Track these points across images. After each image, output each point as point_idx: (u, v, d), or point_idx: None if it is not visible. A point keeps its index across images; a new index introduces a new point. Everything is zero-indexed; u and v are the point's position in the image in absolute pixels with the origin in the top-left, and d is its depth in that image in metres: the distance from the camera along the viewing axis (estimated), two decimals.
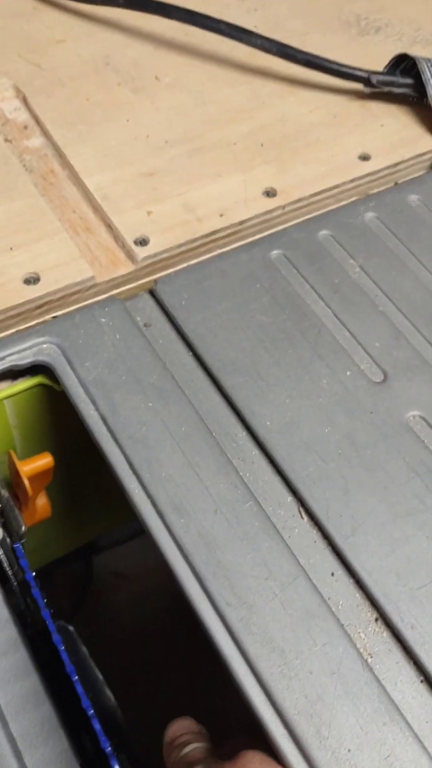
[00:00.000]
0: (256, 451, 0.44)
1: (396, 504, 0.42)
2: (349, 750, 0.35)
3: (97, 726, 0.39)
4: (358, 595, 0.40)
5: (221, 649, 0.37)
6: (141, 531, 0.41)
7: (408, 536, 0.41)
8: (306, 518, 0.42)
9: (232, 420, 0.45)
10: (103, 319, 0.47)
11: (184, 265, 0.53)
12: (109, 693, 0.55)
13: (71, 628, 0.57)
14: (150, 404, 0.44)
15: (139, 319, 0.49)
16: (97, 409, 0.44)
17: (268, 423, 0.44)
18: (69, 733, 0.38)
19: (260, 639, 0.37)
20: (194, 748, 0.39)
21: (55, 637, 0.44)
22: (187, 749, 0.38)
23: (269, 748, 0.35)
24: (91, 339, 0.46)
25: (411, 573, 0.40)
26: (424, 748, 0.35)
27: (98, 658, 0.58)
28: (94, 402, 0.44)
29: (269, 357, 0.47)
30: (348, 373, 0.47)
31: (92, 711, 0.40)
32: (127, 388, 0.45)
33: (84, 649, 0.57)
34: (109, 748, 0.36)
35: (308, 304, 0.50)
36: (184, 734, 0.40)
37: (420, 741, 0.35)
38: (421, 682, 0.37)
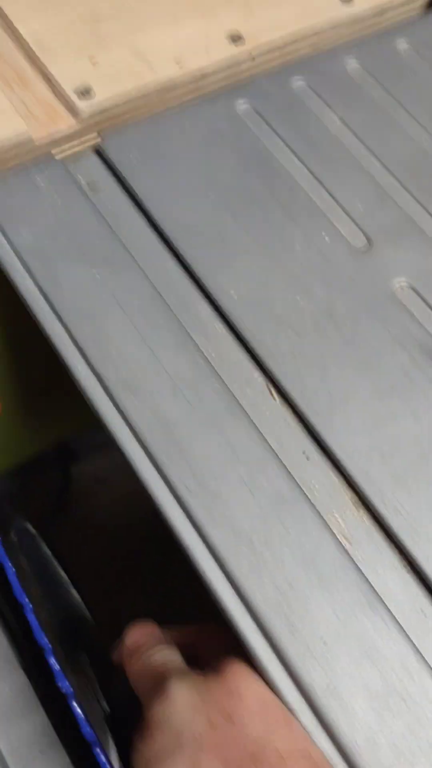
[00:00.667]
0: (220, 326, 0.39)
1: (379, 380, 0.37)
2: (324, 642, 0.31)
3: (54, 665, 0.34)
4: (335, 478, 0.35)
5: (183, 539, 0.33)
6: None
7: (393, 413, 0.37)
8: (277, 398, 0.37)
9: (193, 292, 0.39)
10: (40, 181, 0.41)
11: (137, 120, 0.46)
12: (74, 592, 0.52)
13: (31, 528, 0.53)
14: (97, 275, 0.38)
15: (83, 180, 0.42)
16: (35, 282, 0.38)
17: (234, 295, 0.39)
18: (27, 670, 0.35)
19: (227, 527, 0.33)
20: (159, 651, 0.35)
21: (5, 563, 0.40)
22: (150, 653, 0.35)
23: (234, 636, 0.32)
24: (27, 203, 0.40)
25: (396, 453, 0.36)
26: (408, 638, 0.32)
27: (80, 565, 0.54)
28: (30, 273, 0.38)
29: (235, 222, 0.41)
30: (326, 238, 0.41)
31: (49, 646, 0.36)
32: (70, 258, 0.39)
33: (47, 550, 0.54)
34: (69, 688, 0.32)
35: (280, 162, 0.44)
36: (145, 638, 0.37)
37: (404, 632, 0.32)
38: (406, 569, 0.34)
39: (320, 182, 0.43)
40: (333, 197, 0.43)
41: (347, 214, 0.42)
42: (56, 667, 0.32)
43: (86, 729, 0.31)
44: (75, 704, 0.31)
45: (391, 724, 0.30)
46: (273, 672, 0.31)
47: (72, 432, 0.77)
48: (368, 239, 0.42)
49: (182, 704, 0.31)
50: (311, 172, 0.44)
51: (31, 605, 0.32)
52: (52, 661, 0.32)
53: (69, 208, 0.40)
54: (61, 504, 1.00)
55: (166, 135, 0.44)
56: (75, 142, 0.44)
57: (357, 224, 0.42)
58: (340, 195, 0.43)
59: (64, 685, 0.31)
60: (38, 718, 0.34)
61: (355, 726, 0.30)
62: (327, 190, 0.43)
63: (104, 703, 0.38)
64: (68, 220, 0.40)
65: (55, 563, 0.54)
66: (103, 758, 0.30)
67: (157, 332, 0.38)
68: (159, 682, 0.33)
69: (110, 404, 0.36)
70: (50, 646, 0.33)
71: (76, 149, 0.45)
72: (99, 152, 0.44)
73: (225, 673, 0.32)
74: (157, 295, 0.39)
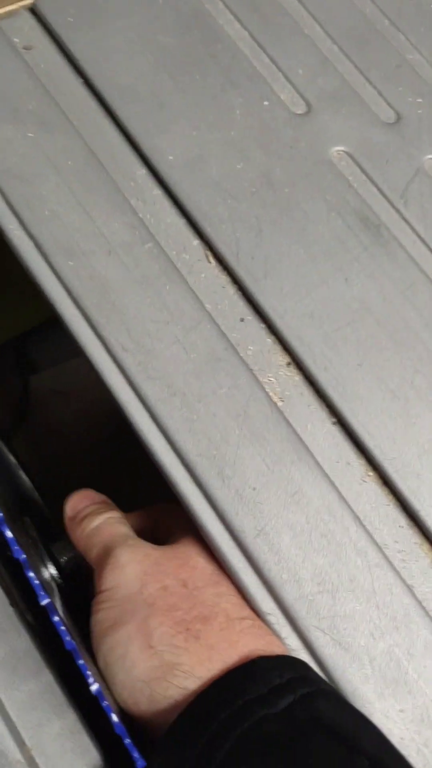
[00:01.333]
0: (157, 191, 0.38)
1: (314, 244, 0.38)
2: (254, 488, 0.33)
3: (7, 534, 0.33)
4: (269, 340, 0.36)
5: (117, 394, 0.33)
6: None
7: (325, 278, 0.37)
8: (214, 262, 0.37)
9: (130, 155, 0.39)
10: None
11: None
12: (24, 476, 0.53)
13: None
14: (29, 135, 0.37)
15: (16, 40, 0.40)
16: None
17: (171, 158, 0.38)
18: None
19: (160, 383, 0.34)
20: (106, 519, 0.36)
21: None
22: (96, 521, 0.35)
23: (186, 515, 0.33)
24: None
25: (327, 315, 0.36)
26: (333, 485, 0.33)
27: (42, 474, 0.55)
28: None
29: (173, 84, 0.40)
30: (266, 103, 0.41)
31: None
32: (1, 118, 0.37)
33: None
34: (23, 556, 0.31)
35: (221, 24, 0.42)
36: (88, 506, 0.37)
37: (329, 479, 0.33)
38: (333, 424, 0.35)
39: (261, 47, 0.42)
40: (274, 62, 0.42)
41: (288, 79, 0.41)
42: (9, 535, 0.31)
43: (41, 593, 0.30)
44: (30, 573, 0.30)
45: (315, 560, 0.32)
46: (205, 518, 0.32)
47: (21, 328, 0.76)
48: (308, 105, 0.41)
49: (133, 571, 0.32)
50: (253, 37, 0.42)
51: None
52: (5, 529, 0.31)
53: (1, 68, 0.39)
54: (21, 416, 1.00)
55: None
56: (9, 1, 0.42)
57: (297, 90, 0.41)
58: (282, 60, 0.42)
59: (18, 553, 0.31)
60: None
61: (281, 563, 0.32)
62: (268, 55, 0.42)
63: (50, 566, 0.39)
64: None
65: (4, 448, 0.54)
66: (56, 618, 0.30)
67: (93, 195, 0.37)
68: (108, 550, 0.33)
69: (46, 266, 0.35)
70: (1, 514, 0.32)
71: (11, 8, 0.42)
72: (34, 11, 0.42)
73: (178, 545, 0.34)
74: (93, 157, 0.38)
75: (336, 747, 0.26)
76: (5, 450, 0.54)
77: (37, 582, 0.28)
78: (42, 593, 0.27)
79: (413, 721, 0.30)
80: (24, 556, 0.28)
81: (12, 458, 0.53)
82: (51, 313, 0.35)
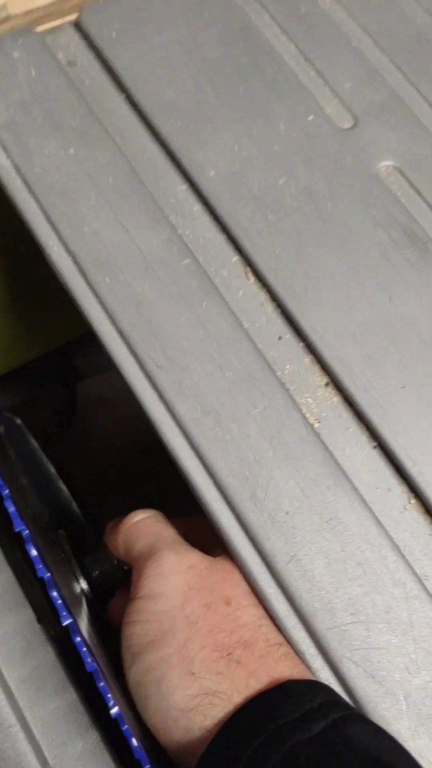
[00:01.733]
0: (197, 206, 0.38)
1: (357, 261, 0.37)
2: (287, 512, 0.32)
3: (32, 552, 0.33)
4: (307, 360, 0.35)
5: (150, 412, 0.33)
6: None
7: (368, 295, 0.36)
8: (253, 279, 0.37)
9: (171, 171, 0.38)
10: (15, 54, 0.39)
11: None
12: (62, 486, 0.53)
13: (18, 420, 0.54)
14: (71, 151, 0.37)
15: (61, 55, 0.41)
16: (8, 157, 0.37)
17: (212, 173, 0.38)
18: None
19: (193, 402, 0.33)
20: (153, 515, 0.34)
21: None
22: (142, 515, 0.34)
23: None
24: (1, 76, 0.39)
25: (369, 334, 0.35)
26: (371, 512, 0.32)
27: (86, 477, 0.55)
28: (4, 148, 0.37)
29: (217, 97, 0.40)
30: (311, 117, 0.40)
31: (27, 532, 0.34)
32: (45, 133, 0.38)
33: (34, 442, 0.55)
34: (48, 575, 0.31)
35: (267, 37, 0.42)
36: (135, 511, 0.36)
37: (367, 505, 0.32)
38: (374, 447, 0.34)
39: (308, 59, 0.41)
40: (320, 75, 0.41)
41: (334, 92, 0.40)
42: (33, 553, 0.31)
43: (63, 613, 0.29)
44: (54, 593, 0.29)
45: (349, 589, 0.31)
46: (237, 541, 0.31)
47: (67, 336, 0.77)
48: (355, 118, 0.40)
49: (176, 582, 0.31)
50: (299, 49, 0.42)
51: (8, 492, 0.31)
52: (30, 548, 0.31)
53: (45, 83, 0.39)
54: (66, 421, 1.02)
55: (148, 5, 0.42)
56: (54, 17, 0.42)
57: (344, 103, 0.40)
58: (328, 73, 0.41)
59: (43, 573, 0.30)
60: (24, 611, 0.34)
61: (313, 591, 0.31)
62: (314, 68, 0.41)
63: (82, 580, 0.39)
64: (44, 94, 0.39)
65: (44, 457, 0.55)
66: (78, 639, 0.29)
67: (132, 211, 0.37)
68: (152, 550, 0.32)
69: (83, 282, 0.35)
70: (28, 531, 0.32)
71: (55, 23, 0.43)
72: (78, 26, 0.42)
73: (224, 558, 0.33)
74: (134, 174, 0.38)
75: None
76: (45, 460, 0.54)
77: (60, 602, 0.27)
78: (64, 613, 0.27)
79: None
80: (48, 574, 0.28)
81: (52, 468, 0.54)
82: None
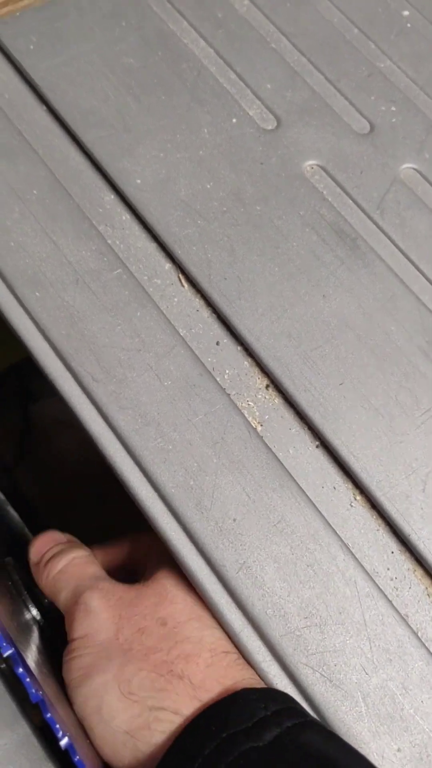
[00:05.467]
0: (126, 215, 0.37)
1: (288, 262, 0.37)
2: (234, 519, 0.31)
3: None
4: (246, 363, 0.35)
5: (89, 426, 0.32)
6: None
7: (301, 295, 0.36)
8: (187, 285, 0.36)
9: (97, 181, 0.38)
10: None
11: (34, 6, 0.43)
12: (12, 511, 0.52)
13: None
14: None
15: None
16: None
17: (139, 181, 0.37)
18: None
19: (132, 413, 0.32)
20: (72, 559, 0.34)
21: None
22: (61, 562, 0.33)
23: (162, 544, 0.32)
24: None
25: (305, 334, 0.35)
26: (318, 511, 0.32)
27: (47, 501, 0.53)
28: None
29: (138, 105, 0.39)
30: (234, 120, 0.40)
31: None
32: None
33: None
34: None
35: (185, 43, 0.42)
36: (52, 547, 0.35)
37: (314, 505, 0.32)
38: (317, 447, 0.34)
39: (228, 64, 0.41)
40: (241, 79, 0.41)
41: (256, 95, 0.40)
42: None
43: (3, 644, 0.28)
44: None
45: (301, 592, 0.30)
46: (185, 553, 0.31)
47: (16, 357, 0.75)
48: (278, 119, 0.40)
49: (106, 616, 0.31)
50: (218, 54, 0.41)
51: None
52: None
53: None
54: (23, 446, 0.99)
55: (64, 16, 0.41)
56: None
57: (266, 105, 0.40)
58: (249, 76, 0.41)
59: None
60: None
61: (265, 597, 0.30)
62: (235, 72, 0.41)
63: (32, 608, 0.38)
64: None
65: None
66: (20, 670, 0.28)
67: (59, 223, 0.36)
68: (76, 595, 0.32)
69: (11, 297, 0.34)
70: None
71: None
72: None
73: (154, 580, 0.32)
74: (59, 185, 0.37)
75: None
76: None
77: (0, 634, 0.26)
78: (5, 644, 0.26)
79: (411, 760, 0.28)
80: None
81: (0, 495, 0.52)
82: None
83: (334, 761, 0.25)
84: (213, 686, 0.28)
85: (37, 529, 0.49)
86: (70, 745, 0.25)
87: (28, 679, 0.25)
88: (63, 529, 0.38)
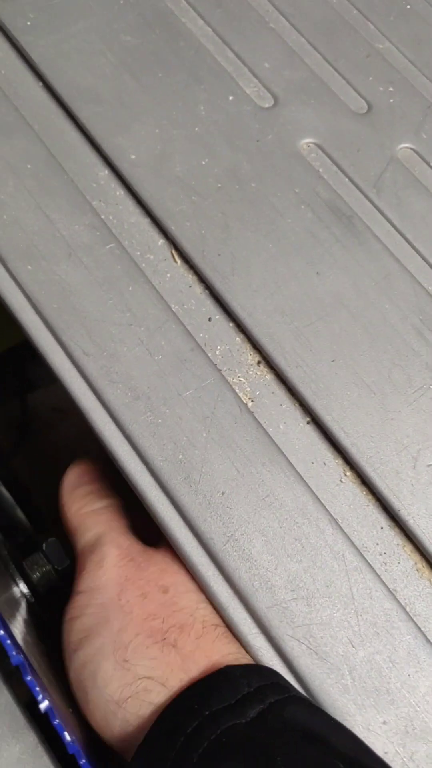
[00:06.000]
0: (120, 191, 0.37)
1: (283, 239, 0.36)
2: (223, 493, 0.31)
3: None
4: (238, 339, 0.35)
5: (79, 400, 0.32)
6: None
7: (295, 272, 0.36)
8: (180, 261, 0.36)
9: (92, 157, 0.38)
10: None
11: None
12: (5, 491, 0.52)
13: None
14: None
15: None
16: None
17: (134, 157, 0.37)
18: None
19: (123, 387, 0.32)
20: (109, 503, 0.34)
21: None
22: (99, 503, 0.33)
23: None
24: None
25: (298, 311, 0.35)
26: (307, 486, 0.32)
27: (45, 490, 0.53)
28: None
29: (135, 83, 0.39)
30: (231, 98, 0.40)
31: None
32: None
33: None
34: None
35: (183, 22, 0.41)
36: (89, 482, 0.35)
37: (303, 480, 0.32)
38: (308, 423, 0.33)
39: (226, 43, 0.41)
40: (239, 57, 0.41)
41: (253, 73, 0.40)
42: None
43: None
44: None
45: (288, 565, 0.30)
46: (173, 525, 0.31)
47: (12, 341, 0.75)
48: (275, 98, 0.40)
49: (114, 574, 0.31)
50: (216, 33, 0.41)
51: None
52: None
53: None
54: (22, 435, 0.99)
55: None
56: None
57: (263, 83, 0.40)
58: (247, 55, 0.41)
59: None
60: None
61: (252, 570, 0.30)
62: (233, 51, 0.41)
63: (21, 583, 0.38)
64: None
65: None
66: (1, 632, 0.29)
67: (53, 197, 0.36)
68: (98, 542, 0.32)
69: (3, 271, 0.34)
70: None
71: None
72: None
73: (164, 549, 0.32)
74: (53, 160, 0.37)
75: (309, 748, 0.24)
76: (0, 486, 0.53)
77: None
78: None
79: (397, 733, 0.28)
80: None
81: (7, 494, 0.52)
82: None
83: (318, 734, 0.25)
84: (200, 659, 0.28)
85: (30, 512, 0.50)
86: (49, 708, 0.25)
87: (8, 642, 0.25)
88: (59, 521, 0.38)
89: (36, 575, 0.37)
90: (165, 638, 0.29)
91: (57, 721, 0.25)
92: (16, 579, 0.36)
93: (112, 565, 0.31)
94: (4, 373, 0.90)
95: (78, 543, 0.33)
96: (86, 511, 0.34)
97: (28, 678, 0.25)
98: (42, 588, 0.37)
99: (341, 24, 0.43)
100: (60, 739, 0.26)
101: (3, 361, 0.89)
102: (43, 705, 0.25)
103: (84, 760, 0.24)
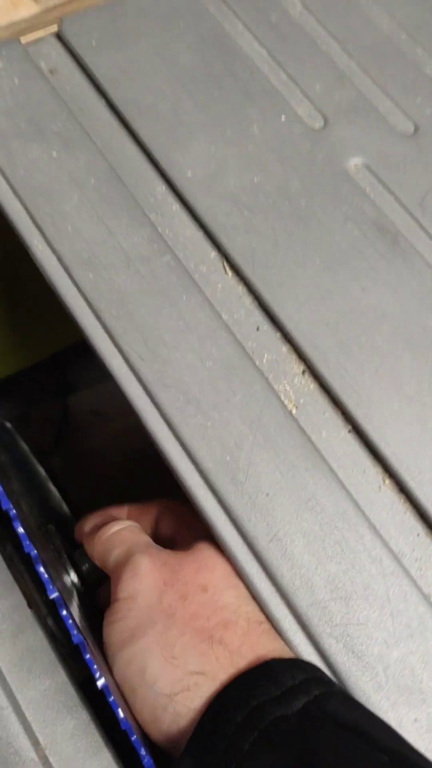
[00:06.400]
0: (176, 205, 0.39)
1: (330, 254, 0.38)
2: (267, 494, 0.33)
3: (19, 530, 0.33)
4: (284, 348, 0.37)
5: (134, 402, 0.34)
6: None
7: (341, 287, 0.37)
8: (231, 273, 0.38)
9: (150, 172, 0.40)
10: None
11: (98, 5, 0.45)
12: (52, 487, 0.54)
13: (9, 425, 0.55)
14: (54, 154, 0.39)
15: (43, 64, 0.42)
16: None
17: (190, 173, 0.39)
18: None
19: (175, 391, 0.34)
20: (127, 525, 0.36)
21: None
22: (117, 526, 0.36)
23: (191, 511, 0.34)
24: None
25: (342, 323, 0.37)
26: (348, 492, 0.33)
27: (80, 493, 0.56)
28: None
29: (192, 102, 0.41)
30: (283, 118, 0.41)
31: (13, 512, 0.34)
32: (28, 137, 0.39)
33: (24, 446, 0.55)
34: (34, 552, 0.31)
35: (239, 44, 0.43)
36: (106, 519, 0.37)
37: (344, 486, 0.33)
38: (349, 431, 0.35)
39: (279, 64, 0.43)
40: (292, 79, 0.43)
41: (305, 94, 0.42)
42: (20, 530, 0.32)
43: (49, 587, 0.30)
44: (41, 568, 0.30)
45: (328, 567, 0.32)
46: (219, 524, 0.33)
47: (59, 345, 0.78)
48: (325, 119, 0.42)
49: (152, 579, 0.32)
50: (271, 55, 0.43)
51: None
52: (17, 525, 0.32)
53: (27, 90, 0.40)
54: (60, 436, 1.02)
55: (125, 15, 0.43)
56: (36, 28, 0.44)
57: (314, 104, 0.42)
58: (299, 77, 0.43)
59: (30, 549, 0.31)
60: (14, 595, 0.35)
61: (294, 569, 0.32)
62: (286, 72, 0.43)
63: (72, 573, 0.40)
64: (26, 101, 0.40)
65: (34, 460, 0.56)
66: (64, 612, 0.30)
67: (113, 210, 0.38)
68: (128, 556, 0.33)
69: (67, 279, 0.36)
70: (15, 511, 0.33)
71: (38, 34, 0.44)
72: (59, 37, 0.44)
73: (195, 549, 0.34)
74: (114, 175, 0.39)
75: (354, 741, 0.26)
76: (35, 462, 0.55)
77: (46, 576, 0.28)
78: (51, 587, 0.28)
79: (428, 730, 0.30)
80: (35, 552, 0.28)
81: (42, 471, 0.55)
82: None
83: (361, 727, 0.27)
84: (247, 653, 0.30)
85: (71, 510, 0.52)
86: (105, 686, 0.27)
87: (70, 621, 0.27)
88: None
89: (85, 566, 0.39)
90: (211, 636, 0.30)
91: (112, 698, 0.26)
92: (68, 568, 0.38)
93: (147, 571, 0.32)
94: (47, 374, 0.92)
95: (108, 563, 0.34)
96: (107, 535, 0.35)
97: (87, 656, 0.27)
98: (90, 579, 0.39)
99: (390, 48, 0.44)
100: (109, 718, 0.28)
101: (46, 363, 0.92)
102: (100, 682, 0.27)
103: (135, 737, 0.26)
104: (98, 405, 1.04)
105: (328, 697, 0.28)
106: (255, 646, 0.30)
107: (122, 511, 0.39)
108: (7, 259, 0.55)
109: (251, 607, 0.32)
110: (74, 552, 0.40)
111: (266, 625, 0.31)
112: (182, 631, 0.30)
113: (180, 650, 0.30)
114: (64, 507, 0.53)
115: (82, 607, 0.37)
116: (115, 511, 0.38)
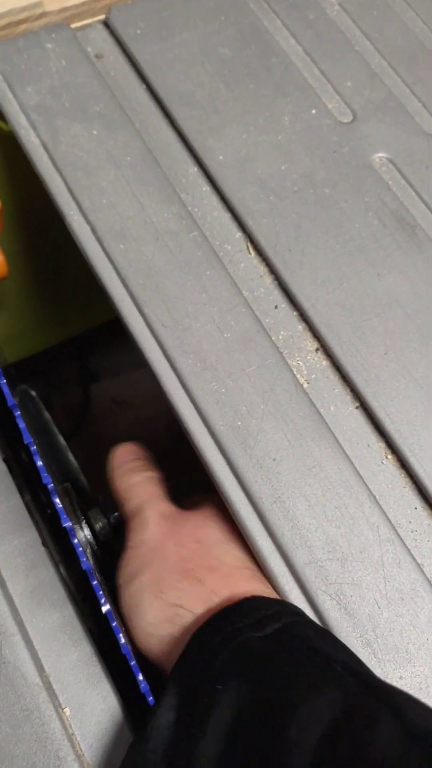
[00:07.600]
0: (206, 187, 0.41)
1: (349, 241, 0.40)
2: (274, 459, 0.35)
3: (47, 480, 0.35)
4: (300, 327, 0.38)
5: (154, 365, 0.36)
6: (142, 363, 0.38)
7: (358, 272, 0.39)
8: (254, 253, 0.40)
9: (183, 154, 0.42)
10: (49, 45, 0.43)
11: None
12: (72, 458, 0.56)
13: (33, 393, 0.57)
14: (94, 132, 0.41)
15: (90, 49, 0.45)
16: (37, 136, 0.41)
17: (221, 157, 0.42)
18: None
19: (194, 358, 0.36)
20: (146, 477, 0.39)
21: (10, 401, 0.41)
22: (138, 477, 0.39)
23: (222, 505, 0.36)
24: (35, 64, 0.43)
25: (357, 306, 0.38)
26: (351, 463, 0.35)
27: (99, 480, 0.58)
28: (34, 128, 0.41)
29: (228, 92, 0.43)
30: (313, 111, 0.43)
31: (34, 448, 0.36)
32: (71, 116, 0.42)
33: (47, 414, 0.58)
34: (52, 485, 0.33)
35: (277, 40, 0.46)
36: (134, 459, 0.40)
37: (348, 457, 0.35)
38: (356, 408, 0.37)
39: (314, 61, 0.45)
40: (324, 75, 0.45)
41: (336, 90, 0.44)
42: (50, 484, 0.34)
43: (63, 516, 0.33)
44: (56, 499, 0.32)
45: (327, 529, 0.34)
46: (227, 484, 0.34)
47: (84, 325, 0.80)
48: (354, 114, 0.43)
49: (156, 531, 0.36)
50: (306, 52, 0.45)
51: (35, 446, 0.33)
52: (36, 459, 0.33)
53: (74, 72, 0.43)
54: (81, 423, 1.04)
55: (170, 7, 0.46)
56: (86, 15, 0.46)
57: (344, 100, 0.44)
58: (332, 73, 0.45)
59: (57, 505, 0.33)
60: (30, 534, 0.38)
61: (294, 529, 0.34)
62: (319, 68, 0.45)
63: (86, 529, 0.42)
64: (72, 82, 0.43)
65: (55, 429, 0.58)
66: (75, 540, 0.32)
67: (147, 187, 0.40)
68: (140, 508, 0.37)
69: (99, 249, 0.39)
70: (36, 447, 0.34)
71: (87, 21, 0.47)
72: (107, 24, 0.46)
73: (199, 509, 0.37)
74: (150, 155, 0.41)
75: (313, 656, 0.29)
76: (56, 432, 0.57)
77: (60, 506, 0.30)
78: (64, 516, 0.30)
79: (411, 688, 0.31)
80: (52, 485, 0.30)
81: (62, 440, 0.57)
82: (109, 317, 0.39)
83: (320, 647, 0.30)
84: (224, 592, 0.33)
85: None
86: (109, 612, 0.29)
87: (80, 549, 0.29)
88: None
89: (98, 525, 0.41)
90: (194, 576, 0.34)
91: (114, 623, 0.28)
92: (83, 525, 0.40)
93: (154, 524, 0.36)
94: (70, 364, 0.95)
95: (125, 509, 0.39)
96: (129, 484, 0.39)
97: (94, 582, 0.29)
98: (102, 537, 0.41)
99: (422, 51, 0.46)
100: (111, 653, 0.30)
101: (69, 353, 0.94)
102: (105, 608, 0.29)
103: (134, 662, 0.28)
104: (120, 394, 1.06)
105: (298, 624, 0.31)
106: (233, 586, 0.33)
107: (142, 450, 0.42)
108: (42, 235, 0.57)
109: (236, 558, 0.35)
110: (89, 511, 0.42)
111: (250, 571, 0.34)
112: (171, 572, 0.34)
113: (166, 586, 0.34)
114: (82, 478, 0.55)
115: (95, 561, 0.39)
116: (138, 448, 0.42)
